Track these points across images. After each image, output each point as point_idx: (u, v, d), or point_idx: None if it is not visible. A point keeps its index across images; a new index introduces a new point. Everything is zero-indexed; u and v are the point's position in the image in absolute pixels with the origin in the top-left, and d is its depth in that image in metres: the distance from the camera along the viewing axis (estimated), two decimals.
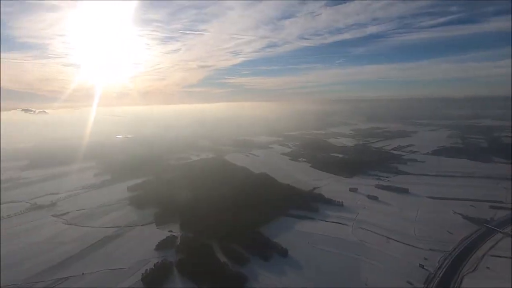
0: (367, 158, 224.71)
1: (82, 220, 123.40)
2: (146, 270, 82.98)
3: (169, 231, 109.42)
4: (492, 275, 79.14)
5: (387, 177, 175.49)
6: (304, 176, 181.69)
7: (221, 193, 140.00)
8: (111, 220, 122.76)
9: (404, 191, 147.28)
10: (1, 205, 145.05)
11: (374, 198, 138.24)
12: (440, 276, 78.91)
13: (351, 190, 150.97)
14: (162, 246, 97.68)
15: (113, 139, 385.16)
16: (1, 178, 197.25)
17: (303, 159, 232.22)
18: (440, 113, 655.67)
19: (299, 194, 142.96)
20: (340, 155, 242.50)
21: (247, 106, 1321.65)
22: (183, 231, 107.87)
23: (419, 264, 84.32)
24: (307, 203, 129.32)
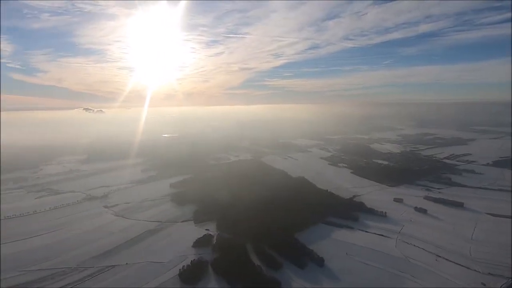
0: (415, 167, 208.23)
1: (128, 213, 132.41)
2: (183, 266, 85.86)
3: (206, 229, 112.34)
4: None
5: (438, 188, 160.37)
6: (344, 183, 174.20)
7: (258, 195, 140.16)
8: (154, 214, 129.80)
9: (459, 205, 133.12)
10: (62, 195, 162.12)
11: (423, 211, 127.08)
12: None
13: (396, 200, 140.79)
14: (199, 243, 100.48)
15: (159, 138, 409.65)
16: (64, 170, 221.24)
17: (344, 165, 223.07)
18: (503, 119, 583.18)
19: (338, 201, 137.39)
20: (385, 162, 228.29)
21: (288, 109, 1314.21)
22: (219, 231, 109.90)
23: None
24: (347, 211, 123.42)
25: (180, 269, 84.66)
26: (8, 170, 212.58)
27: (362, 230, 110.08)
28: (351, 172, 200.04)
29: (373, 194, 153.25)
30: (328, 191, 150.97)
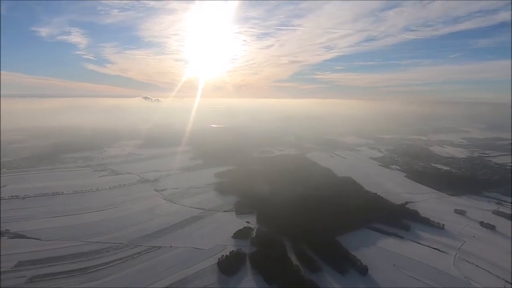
0: (483, 175, 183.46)
1: (175, 198, 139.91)
2: (222, 256, 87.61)
3: (246, 221, 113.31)
4: None
5: (511, 202, 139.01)
6: (395, 187, 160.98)
7: (300, 192, 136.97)
8: (199, 201, 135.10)
9: None
10: (120, 176, 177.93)
11: (490, 227, 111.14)
12: None
13: (456, 212, 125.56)
14: (238, 235, 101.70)
15: (208, 127, 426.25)
16: (123, 153, 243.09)
17: (397, 167, 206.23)
18: None
19: (387, 206, 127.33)
20: (445, 167, 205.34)
21: (337, 104, 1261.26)
22: (259, 224, 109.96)
23: None
24: (397, 219, 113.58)
25: (219, 258, 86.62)
26: (78, 150, 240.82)
27: (414, 241, 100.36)
28: (405, 176, 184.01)
29: (429, 202, 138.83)
30: (377, 194, 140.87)
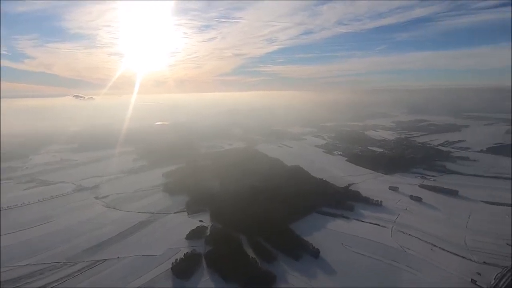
0: (410, 154, 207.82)
1: (120, 204, 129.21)
2: (176, 259, 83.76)
3: (199, 220, 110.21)
4: None
5: (433, 176, 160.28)
6: (339, 171, 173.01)
7: (252, 184, 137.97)
8: (146, 205, 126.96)
9: (453, 193, 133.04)
10: (52, 185, 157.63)
11: (418, 199, 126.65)
12: None
13: (391, 188, 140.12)
14: (192, 235, 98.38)
15: (151, 125, 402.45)
16: (54, 159, 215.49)
17: (339, 152, 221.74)
18: (497, 105, 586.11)
19: (333, 190, 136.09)
20: (380, 149, 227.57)
21: (281, 95, 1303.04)
22: (213, 222, 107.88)
23: (471, 279, 74.88)
24: (342, 201, 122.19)
25: (172, 263, 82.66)
26: None
27: (358, 220, 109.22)
28: (346, 160, 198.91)
29: (368, 182, 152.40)
30: (324, 179, 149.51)
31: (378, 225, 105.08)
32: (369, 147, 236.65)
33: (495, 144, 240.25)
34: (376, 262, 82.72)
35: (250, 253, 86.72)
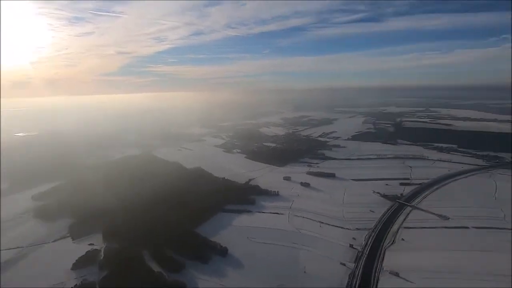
0: (298, 146, 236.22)
1: None
2: None
3: (89, 244, 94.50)
4: (406, 246, 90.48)
5: (316, 163, 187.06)
6: (239, 168, 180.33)
7: (151, 193, 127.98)
8: (11, 239, 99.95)
9: (332, 175, 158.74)
10: None
11: (306, 185, 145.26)
12: (367, 253, 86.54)
13: (285, 178, 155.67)
14: (80, 264, 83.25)
15: (10, 137, 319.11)
16: None
17: (238, 150, 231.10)
18: (356, 101, 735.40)
19: (236, 187, 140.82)
20: (273, 144, 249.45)
21: (174, 97, 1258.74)
22: (107, 243, 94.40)
23: (349, 244, 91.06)
24: (244, 196, 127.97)
25: None
26: None
27: (259, 212, 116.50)
28: (245, 157, 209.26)
29: (266, 176, 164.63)
30: (225, 178, 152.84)
31: (277, 213, 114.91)
32: (264, 143, 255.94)
33: (356, 132, 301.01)
34: (279, 248, 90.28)
35: (155, 267, 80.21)
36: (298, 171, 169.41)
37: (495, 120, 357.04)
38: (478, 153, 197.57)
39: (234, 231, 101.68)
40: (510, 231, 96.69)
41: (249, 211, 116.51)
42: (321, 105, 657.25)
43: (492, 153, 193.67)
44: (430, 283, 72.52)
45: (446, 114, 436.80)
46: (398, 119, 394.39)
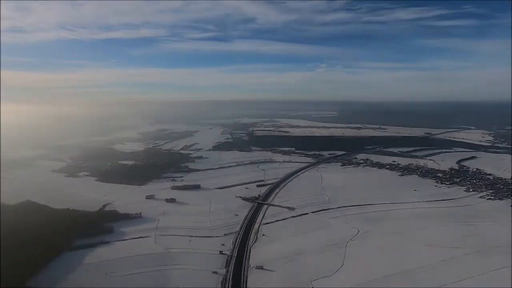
0: (159, 161, 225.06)
1: None
2: None
3: None
4: (267, 240, 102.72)
5: (180, 177, 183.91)
6: (89, 194, 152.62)
7: None
8: None
9: (197, 187, 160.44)
10: None
11: (172, 200, 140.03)
12: (236, 256, 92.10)
13: (148, 197, 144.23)
14: None
15: None
16: None
17: (86, 173, 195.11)
18: (213, 114, 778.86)
19: (84, 217, 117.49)
20: (131, 162, 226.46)
21: None
22: None
23: (219, 251, 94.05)
24: (98, 226, 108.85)
25: None
26: None
27: (120, 240, 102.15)
28: (96, 180, 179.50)
29: (125, 198, 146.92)
30: (70, 209, 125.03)
31: (142, 237, 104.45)
32: (120, 162, 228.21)
33: (216, 143, 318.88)
34: (147, 275, 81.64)
35: None
36: (162, 187, 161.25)
37: (316, 127, 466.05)
38: (308, 153, 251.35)
39: (88, 270, 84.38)
40: (334, 209, 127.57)
41: (106, 242, 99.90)
42: (181, 118, 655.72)
43: (317, 152, 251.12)
44: (289, 266, 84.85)
45: (285, 123, 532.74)
46: (251, 129, 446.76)
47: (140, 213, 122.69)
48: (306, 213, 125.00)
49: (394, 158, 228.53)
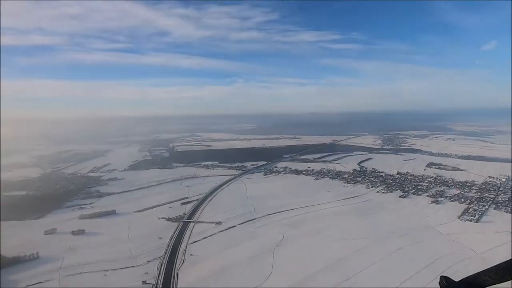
0: (62, 188, 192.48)
1: None
2: None
3: None
4: (196, 260, 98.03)
5: (90, 203, 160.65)
6: None
7: None
8: None
9: (112, 213, 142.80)
10: None
11: (80, 232, 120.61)
12: (162, 283, 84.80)
13: (47, 233, 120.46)
14: None
15: None
16: None
17: None
18: (128, 130, 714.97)
19: None
20: (22, 192, 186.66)
21: None
22: None
23: (142, 281, 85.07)
24: None
25: None
26: None
27: None
28: None
29: (14, 238, 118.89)
30: None
31: (40, 282, 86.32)
32: (6, 193, 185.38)
33: (133, 161, 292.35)
34: None
35: None
36: (67, 218, 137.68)
37: (238, 139, 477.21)
38: (232, 165, 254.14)
39: None
40: (260, 218, 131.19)
41: None
42: (89, 136, 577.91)
43: (240, 164, 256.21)
44: (220, 283, 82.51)
45: (207, 137, 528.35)
46: (171, 144, 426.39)
47: (37, 252, 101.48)
48: (234, 226, 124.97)
49: (309, 164, 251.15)
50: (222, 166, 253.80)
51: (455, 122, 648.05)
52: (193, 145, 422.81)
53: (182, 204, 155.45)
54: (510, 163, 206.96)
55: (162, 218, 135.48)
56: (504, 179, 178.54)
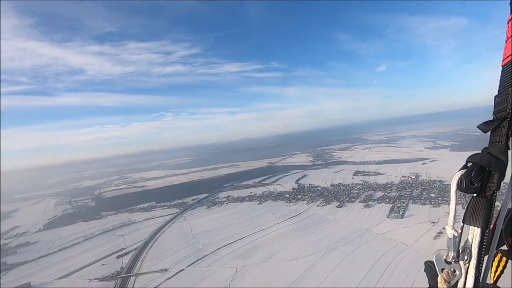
0: None
1: None
2: None
3: None
4: None
5: None
6: None
7: None
8: None
9: (25, 287, 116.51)
10: None
11: None
12: None
13: None
14: None
15: None
16: None
17: None
18: (39, 183, 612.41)
19: None
20: None
21: None
22: None
23: None
24: None
25: None
26: None
27: None
28: None
29: None
30: None
31: None
32: None
33: (50, 219, 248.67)
34: None
35: None
36: None
37: (174, 175, 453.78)
38: (171, 203, 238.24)
39: None
40: (210, 255, 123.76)
41: None
42: None
43: (180, 201, 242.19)
44: None
45: (139, 177, 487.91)
46: (97, 191, 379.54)
47: None
48: (182, 270, 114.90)
49: (251, 190, 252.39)
50: (161, 206, 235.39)
51: (367, 133, 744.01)
52: (123, 188, 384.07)
53: (118, 257, 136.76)
54: (415, 163, 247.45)
55: (95, 279, 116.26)
56: (413, 177, 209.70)
